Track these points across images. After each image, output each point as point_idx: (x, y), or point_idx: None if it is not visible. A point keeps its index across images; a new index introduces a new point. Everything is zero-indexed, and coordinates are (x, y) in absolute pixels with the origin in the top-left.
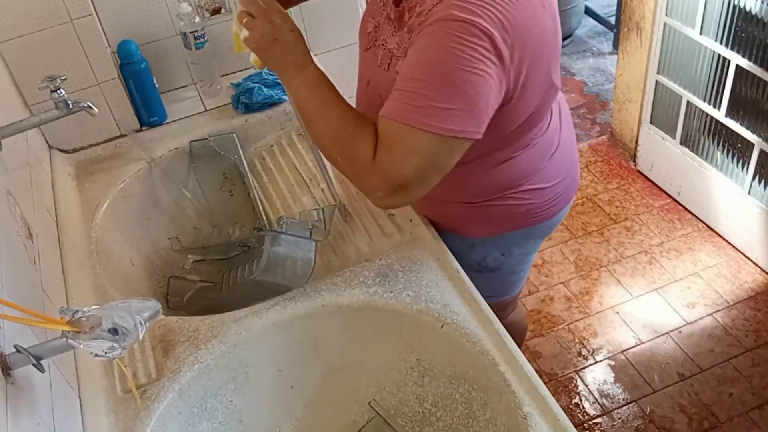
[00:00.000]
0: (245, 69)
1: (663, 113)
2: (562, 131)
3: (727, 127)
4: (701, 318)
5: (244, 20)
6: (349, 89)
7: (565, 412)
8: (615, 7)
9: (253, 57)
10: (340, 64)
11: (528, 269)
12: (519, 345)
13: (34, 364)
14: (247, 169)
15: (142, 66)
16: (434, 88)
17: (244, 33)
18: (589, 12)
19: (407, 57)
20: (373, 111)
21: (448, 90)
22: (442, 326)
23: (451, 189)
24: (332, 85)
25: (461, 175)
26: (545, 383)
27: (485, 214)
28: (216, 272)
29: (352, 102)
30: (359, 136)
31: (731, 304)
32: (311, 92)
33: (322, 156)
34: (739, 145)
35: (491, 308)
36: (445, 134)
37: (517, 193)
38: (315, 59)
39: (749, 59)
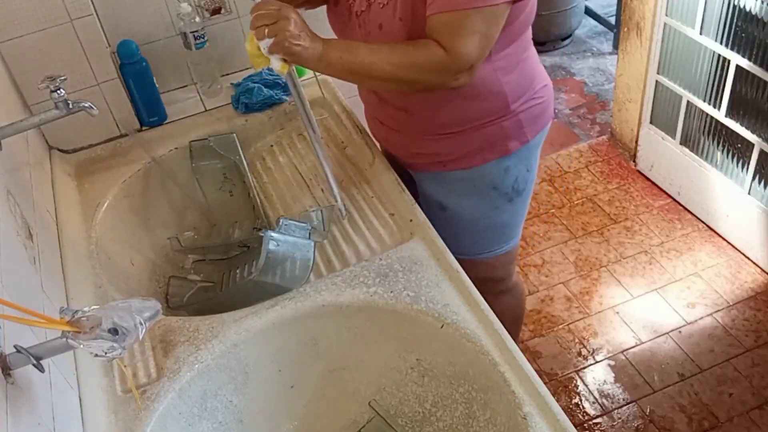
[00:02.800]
0: (245, 69)
1: (663, 113)
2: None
3: (727, 127)
4: (701, 318)
5: (265, 31)
6: (350, 88)
7: (565, 412)
8: (615, 7)
9: (277, 65)
10: None
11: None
12: (522, 310)
13: (34, 364)
14: (247, 169)
15: (142, 66)
16: None
17: (266, 42)
18: (589, 12)
19: None
20: (395, 40)
21: None
22: (442, 326)
23: (492, 104)
24: (356, 41)
25: (500, 83)
26: (545, 383)
27: (519, 121)
28: (216, 272)
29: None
30: (421, 47)
31: (731, 304)
32: (352, 53)
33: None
34: (739, 145)
35: (508, 258)
36: (493, 4)
37: (536, 93)
38: None
39: (749, 59)
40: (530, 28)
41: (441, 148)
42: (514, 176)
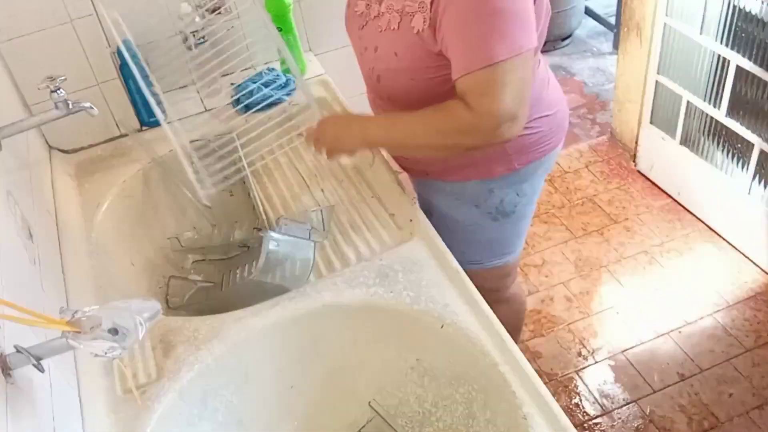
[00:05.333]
0: (245, 69)
1: (663, 113)
2: (547, 68)
3: (727, 127)
4: (701, 318)
5: (320, 147)
6: (350, 88)
7: (565, 412)
8: (615, 7)
9: (345, 160)
10: (341, 64)
11: (530, 220)
12: (520, 320)
13: (34, 364)
14: (247, 169)
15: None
16: (488, 22)
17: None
18: (589, 12)
19: (447, 16)
20: (389, 70)
21: (499, 16)
22: (442, 326)
23: None
24: (394, 115)
25: None
26: (545, 383)
27: (504, 148)
28: (216, 272)
29: (362, 89)
30: (443, 111)
31: (731, 304)
32: (388, 130)
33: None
34: (739, 145)
35: (502, 272)
36: (517, 54)
37: (529, 123)
38: (315, 59)
39: (749, 59)
40: (536, 56)
41: (425, 158)
42: (499, 198)
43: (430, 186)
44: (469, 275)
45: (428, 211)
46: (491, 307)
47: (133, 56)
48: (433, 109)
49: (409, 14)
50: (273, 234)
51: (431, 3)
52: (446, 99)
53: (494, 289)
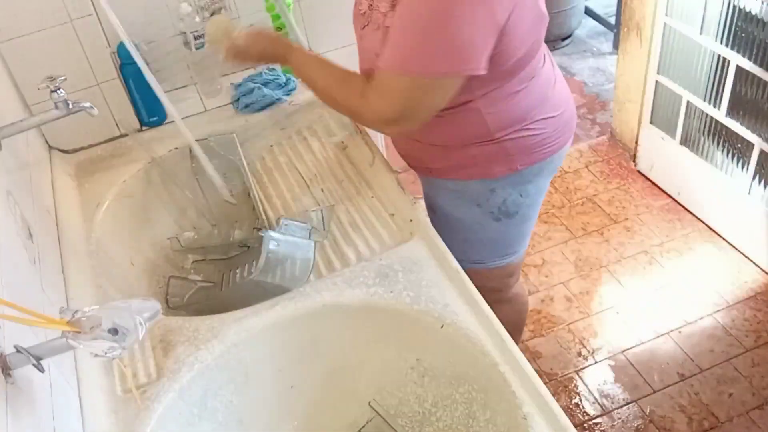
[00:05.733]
0: (245, 69)
1: (663, 113)
2: (554, 67)
3: (727, 127)
4: (701, 318)
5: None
6: None
7: (565, 412)
8: (615, 7)
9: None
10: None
11: (535, 220)
12: (521, 320)
13: (34, 364)
14: (247, 169)
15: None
16: (417, 34)
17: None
18: (589, 12)
19: (396, 13)
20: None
21: (429, 35)
22: (442, 326)
23: (472, 129)
24: (316, 59)
25: (481, 113)
26: (545, 383)
27: (505, 149)
28: (216, 272)
29: None
30: (346, 84)
31: (731, 304)
32: (301, 67)
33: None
34: (739, 145)
35: (504, 272)
36: (430, 76)
37: (531, 125)
38: None
39: (749, 59)
40: (534, 61)
41: (427, 156)
42: (501, 198)
43: (433, 183)
44: (471, 274)
45: (432, 208)
46: (493, 307)
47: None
48: (341, 75)
49: (383, 14)
50: (273, 234)
51: (392, 5)
52: None
53: (496, 288)
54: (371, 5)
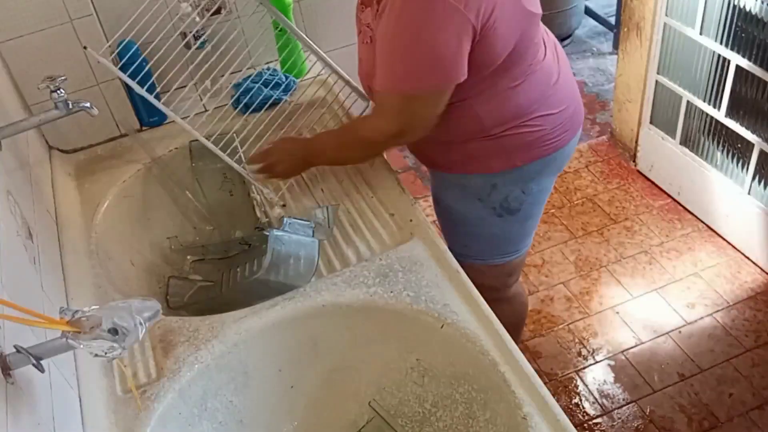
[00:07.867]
0: (245, 69)
1: (663, 113)
2: (560, 63)
3: (727, 127)
4: (701, 318)
5: (271, 177)
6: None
7: (565, 412)
8: (615, 7)
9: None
10: (341, 65)
11: (538, 219)
12: (521, 320)
13: (34, 364)
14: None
15: (143, 66)
16: (400, 53)
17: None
18: (589, 12)
19: (378, 35)
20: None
21: (412, 52)
22: (442, 326)
23: (469, 125)
24: (329, 133)
25: (475, 110)
26: (545, 383)
27: (503, 145)
28: (216, 272)
29: (362, 89)
30: (349, 130)
31: (731, 304)
32: (320, 154)
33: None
34: (739, 145)
35: (504, 270)
36: (414, 93)
37: (529, 121)
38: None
39: (749, 59)
40: (528, 58)
41: (429, 150)
42: (503, 194)
43: (438, 177)
44: (470, 271)
45: (437, 200)
46: (492, 307)
47: (132, 55)
48: (342, 131)
49: (367, 25)
50: (278, 232)
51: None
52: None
53: (495, 287)
54: (359, 18)
